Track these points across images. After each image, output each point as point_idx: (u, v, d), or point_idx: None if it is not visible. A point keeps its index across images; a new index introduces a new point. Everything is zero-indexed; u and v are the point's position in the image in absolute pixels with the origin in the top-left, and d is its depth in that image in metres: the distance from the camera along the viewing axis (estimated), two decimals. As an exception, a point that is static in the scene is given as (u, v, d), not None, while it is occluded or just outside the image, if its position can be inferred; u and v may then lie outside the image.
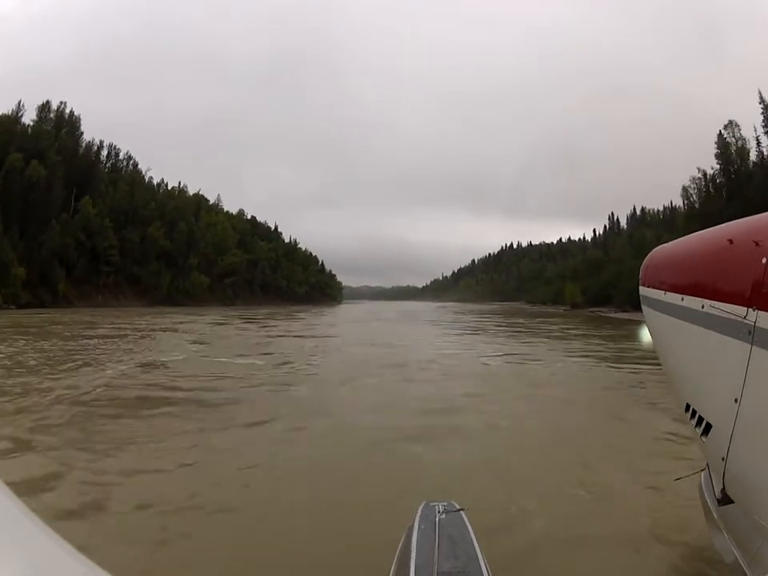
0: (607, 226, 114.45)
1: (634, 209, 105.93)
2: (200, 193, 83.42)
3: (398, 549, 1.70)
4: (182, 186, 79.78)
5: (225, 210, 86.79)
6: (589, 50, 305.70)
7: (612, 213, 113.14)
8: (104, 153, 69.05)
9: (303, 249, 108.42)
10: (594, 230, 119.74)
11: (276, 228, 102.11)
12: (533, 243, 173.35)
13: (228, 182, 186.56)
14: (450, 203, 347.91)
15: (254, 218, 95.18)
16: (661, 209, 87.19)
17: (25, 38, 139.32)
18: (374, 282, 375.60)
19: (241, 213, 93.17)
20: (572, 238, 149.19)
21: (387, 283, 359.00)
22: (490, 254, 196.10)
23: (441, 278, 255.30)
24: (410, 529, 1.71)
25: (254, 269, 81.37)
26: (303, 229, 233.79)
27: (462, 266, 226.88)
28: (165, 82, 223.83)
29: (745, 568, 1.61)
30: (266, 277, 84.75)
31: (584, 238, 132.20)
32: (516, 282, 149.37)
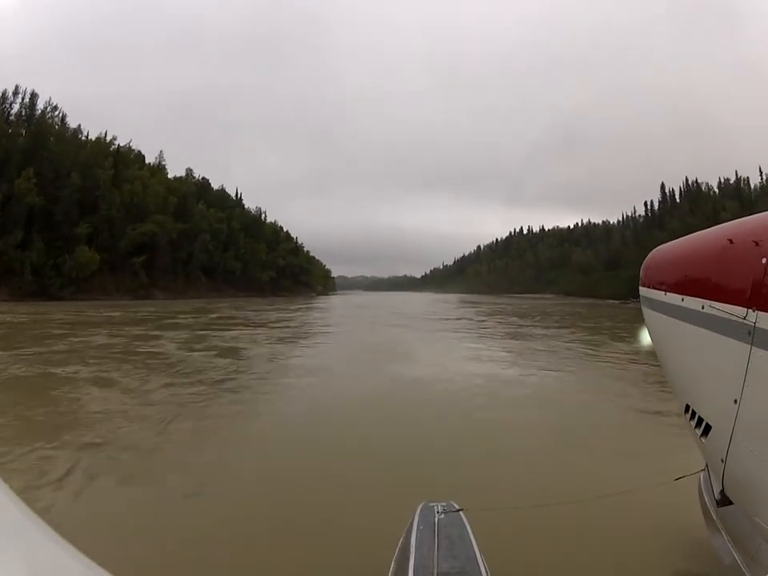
0: (657, 201, 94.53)
1: (687, 180, 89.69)
2: (130, 145, 61.54)
3: (397, 549, 1.68)
4: (111, 138, 58.23)
5: (172, 175, 65.31)
6: (592, 39, 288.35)
7: (663, 183, 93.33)
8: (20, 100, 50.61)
9: (273, 222, 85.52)
10: (646, 203, 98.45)
11: (239, 196, 79.95)
12: (545, 228, 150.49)
13: (216, 171, 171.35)
14: (447, 190, 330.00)
15: (205, 179, 72.78)
16: (715, 183, 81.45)
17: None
18: (370, 272, 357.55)
19: (189, 173, 70.97)
20: (593, 222, 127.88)
21: (383, 273, 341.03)
22: (497, 239, 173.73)
23: (441, 267, 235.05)
24: (409, 529, 1.69)
25: (191, 244, 58.95)
26: (294, 218, 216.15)
27: (466, 254, 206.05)
28: (148, 67, 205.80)
29: (744, 569, 1.60)
30: (212, 256, 62.16)
31: (622, 220, 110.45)
32: (534, 270, 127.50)
